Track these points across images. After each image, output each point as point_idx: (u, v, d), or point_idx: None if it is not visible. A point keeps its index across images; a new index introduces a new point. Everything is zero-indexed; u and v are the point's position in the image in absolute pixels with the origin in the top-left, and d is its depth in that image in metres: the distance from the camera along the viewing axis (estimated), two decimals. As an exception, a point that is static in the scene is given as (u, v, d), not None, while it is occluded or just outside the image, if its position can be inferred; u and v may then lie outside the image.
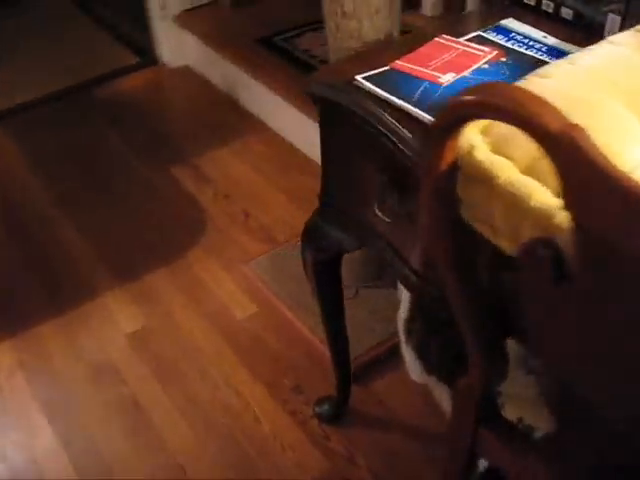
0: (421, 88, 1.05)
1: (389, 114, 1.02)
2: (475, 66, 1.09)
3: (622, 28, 1.21)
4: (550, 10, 1.23)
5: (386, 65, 1.11)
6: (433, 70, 1.08)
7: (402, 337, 1.58)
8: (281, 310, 1.91)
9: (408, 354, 1.57)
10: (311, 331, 1.84)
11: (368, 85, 1.06)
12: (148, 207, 2.28)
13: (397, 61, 1.11)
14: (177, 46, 2.89)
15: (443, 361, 1.44)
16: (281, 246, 2.08)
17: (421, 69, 1.09)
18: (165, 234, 2.18)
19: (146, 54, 2.97)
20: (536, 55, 1.13)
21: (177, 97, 2.86)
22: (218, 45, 2.69)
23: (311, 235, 1.29)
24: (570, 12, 1.21)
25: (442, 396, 1.51)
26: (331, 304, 1.43)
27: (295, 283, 1.95)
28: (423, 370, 1.52)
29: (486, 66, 1.09)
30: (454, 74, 1.07)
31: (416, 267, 1.05)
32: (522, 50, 1.13)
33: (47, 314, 1.93)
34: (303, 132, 2.41)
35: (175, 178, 2.38)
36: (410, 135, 0.98)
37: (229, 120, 2.64)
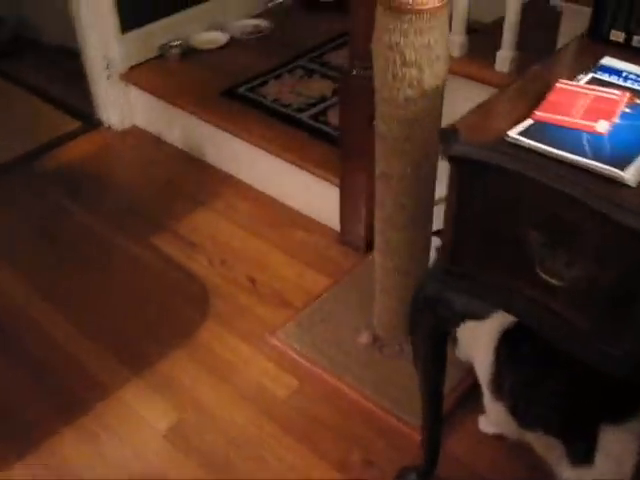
0: (584, 139, 0.98)
1: (559, 170, 0.95)
2: (619, 110, 1.04)
3: None
4: (642, 45, 1.20)
5: (524, 119, 1.03)
6: (582, 119, 1.02)
7: (487, 393, 1.50)
8: (326, 380, 1.77)
9: (496, 409, 1.49)
10: (366, 398, 1.72)
11: (527, 141, 0.98)
12: (140, 285, 2.07)
13: (537, 112, 1.04)
14: (124, 105, 2.69)
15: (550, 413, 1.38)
16: (303, 310, 1.94)
17: (569, 119, 1.02)
18: (168, 312, 1.98)
19: (88, 117, 2.75)
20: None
21: (133, 160, 2.65)
22: (175, 100, 2.52)
23: (431, 305, 1.18)
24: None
25: (547, 449, 1.44)
26: (437, 378, 1.33)
27: (334, 348, 1.83)
28: (518, 425, 1.45)
29: (628, 110, 1.04)
30: (606, 121, 1.01)
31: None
32: (648, 89, 1.09)
33: (63, 426, 1.69)
34: (287, 184, 2.30)
35: (158, 248, 2.19)
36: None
37: (199, 179, 2.47)
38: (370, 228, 2.07)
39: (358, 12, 1.73)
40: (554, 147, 0.97)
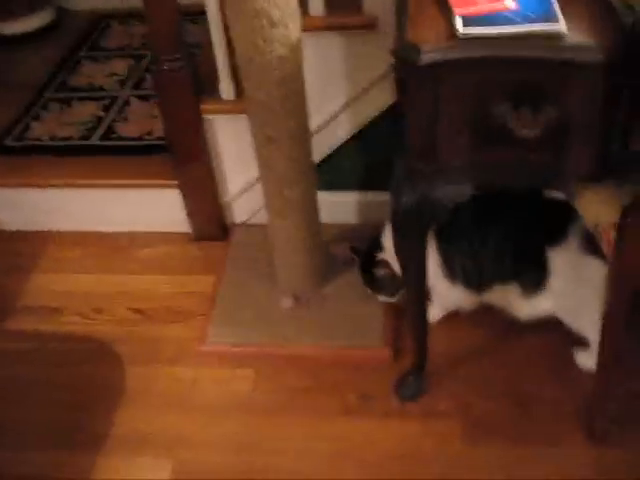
0: (510, 16, 1.18)
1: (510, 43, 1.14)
2: (508, -9, 1.26)
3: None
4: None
5: (450, 21, 1.20)
6: (491, 4, 1.22)
7: (444, 284, 1.69)
8: (276, 353, 1.81)
9: (454, 293, 1.71)
10: (322, 348, 1.80)
11: (476, 30, 1.15)
12: (34, 374, 1.83)
13: (457, 10, 1.21)
14: None
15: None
16: (212, 310, 1.92)
17: (484, 7, 1.20)
18: (83, 382, 1.81)
19: None
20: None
21: None
22: None
23: (414, 210, 1.32)
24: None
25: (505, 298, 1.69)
26: (423, 277, 1.48)
27: (265, 325, 1.86)
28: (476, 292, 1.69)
29: (510, -11, 1.27)
30: (507, 1, 1.22)
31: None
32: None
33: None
34: (114, 211, 2.20)
35: (25, 332, 1.95)
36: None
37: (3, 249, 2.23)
38: (220, 213, 2.12)
39: (156, 15, 1.74)
40: (495, 28, 1.16)
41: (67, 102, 2.48)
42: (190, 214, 2.12)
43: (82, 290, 2.06)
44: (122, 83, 2.55)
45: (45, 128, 2.35)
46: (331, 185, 2.03)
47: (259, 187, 2.04)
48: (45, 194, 2.19)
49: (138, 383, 1.79)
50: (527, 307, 1.68)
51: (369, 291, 1.84)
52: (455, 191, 1.31)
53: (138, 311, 1.99)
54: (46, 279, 2.12)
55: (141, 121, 2.33)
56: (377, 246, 1.78)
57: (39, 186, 2.18)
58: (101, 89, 2.54)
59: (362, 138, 1.96)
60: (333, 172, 2.02)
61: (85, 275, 2.11)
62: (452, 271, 1.66)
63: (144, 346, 1.89)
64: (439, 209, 1.33)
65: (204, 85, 1.90)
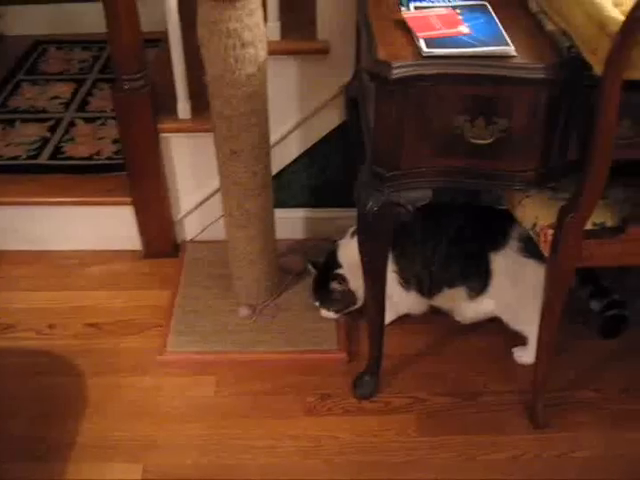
0: (465, 39, 1.34)
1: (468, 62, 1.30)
2: (459, 18, 1.42)
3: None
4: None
5: (413, 41, 1.35)
6: (447, 29, 1.37)
7: (397, 291, 1.83)
8: (236, 360, 1.88)
9: (408, 299, 1.86)
10: (279, 354, 1.89)
11: (438, 51, 1.31)
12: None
13: (419, 34, 1.36)
14: None
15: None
16: (170, 321, 1.97)
17: (442, 32, 1.36)
18: (44, 395, 1.82)
19: None
20: (459, 3, 1.51)
21: None
22: None
23: (382, 213, 1.44)
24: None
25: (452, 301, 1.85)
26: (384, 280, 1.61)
27: (223, 334, 1.94)
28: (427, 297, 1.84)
29: (462, 17, 1.43)
30: (461, 26, 1.39)
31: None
32: (455, 3, 1.50)
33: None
34: (62, 230, 2.23)
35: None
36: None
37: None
38: (172, 230, 2.19)
39: (119, 35, 1.82)
40: (455, 49, 1.31)
41: (10, 123, 2.49)
42: (142, 231, 2.18)
43: (35, 307, 2.07)
44: (66, 105, 2.58)
45: (-8, 150, 2.36)
46: (281, 202, 2.14)
47: (209, 204, 2.15)
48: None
49: (100, 393, 1.82)
50: (472, 309, 1.84)
51: (317, 304, 1.95)
52: (417, 195, 1.45)
53: (93, 325, 2.02)
54: (-7, 297, 2.12)
55: (89, 142, 2.38)
56: (334, 261, 1.89)
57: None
58: (44, 111, 2.56)
59: (310, 156, 2.09)
60: (283, 189, 2.13)
61: (37, 293, 2.12)
62: (406, 279, 1.80)
63: (103, 358, 1.92)
64: (402, 213, 1.46)
65: (162, 104, 1.98)
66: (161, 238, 2.19)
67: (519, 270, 1.74)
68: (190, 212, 2.19)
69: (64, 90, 2.69)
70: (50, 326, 2.02)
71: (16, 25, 3.09)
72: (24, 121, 2.51)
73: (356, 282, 1.82)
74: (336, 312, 1.93)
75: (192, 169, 2.09)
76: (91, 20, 2.92)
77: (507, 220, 1.70)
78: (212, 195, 2.12)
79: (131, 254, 2.23)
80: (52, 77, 2.79)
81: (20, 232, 2.23)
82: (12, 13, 3.08)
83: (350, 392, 1.81)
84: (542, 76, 1.30)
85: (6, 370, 1.89)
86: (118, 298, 2.10)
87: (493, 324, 1.94)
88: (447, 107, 1.34)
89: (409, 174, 1.42)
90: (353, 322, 1.96)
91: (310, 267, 1.99)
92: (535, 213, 1.56)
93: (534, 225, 1.56)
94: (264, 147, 1.75)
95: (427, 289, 1.81)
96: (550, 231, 1.50)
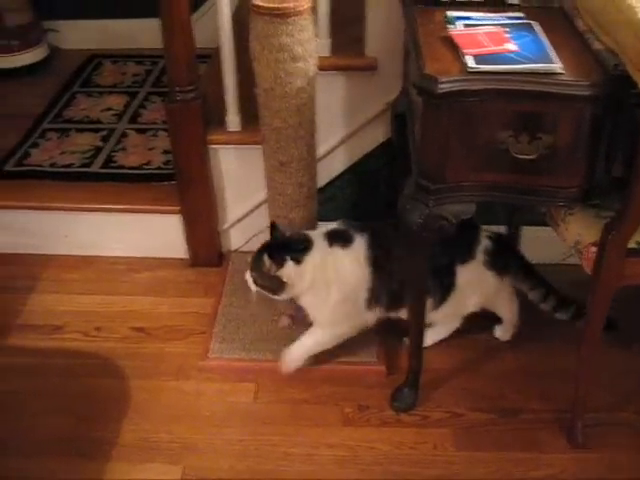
0: (512, 56, 1.37)
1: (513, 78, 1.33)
2: (506, 36, 1.45)
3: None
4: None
5: (459, 58, 1.38)
6: (495, 46, 1.40)
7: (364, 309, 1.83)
8: (275, 368, 1.89)
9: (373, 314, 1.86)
10: (318, 363, 1.91)
11: (485, 67, 1.33)
12: (44, 390, 1.88)
13: (466, 50, 1.39)
14: None
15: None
16: (213, 328, 2.01)
17: (489, 49, 1.39)
18: (89, 395, 1.87)
19: None
20: (507, 21, 1.53)
21: None
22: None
23: (425, 226, 1.47)
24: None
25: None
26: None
27: (264, 342, 1.97)
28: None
29: (510, 35, 1.46)
30: (509, 44, 1.41)
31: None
32: (502, 21, 1.53)
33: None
34: (112, 237, 2.29)
35: (27, 348, 2.00)
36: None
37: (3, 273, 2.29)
38: (218, 240, 2.24)
39: (173, 50, 1.89)
40: (501, 65, 1.34)
41: (65, 132, 2.59)
42: (189, 240, 2.23)
43: (82, 310, 2.14)
44: (118, 117, 2.67)
45: (45, 155, 2.45)
46: (324, 215, 2.17)
47: (254, 216, 2.20)
48: (46, 217, 2.27)
49: (143, 395, 1.87)
50: (434, 315, 1.84)
51: (249, 262, 1.79)
52: (460, 209, 1.47)
53: (139, 329, 2.07)
54: (45, 299, 2.18)
55: (139, 152, 2.45)
56: (298, 246, 1.74)
57: (40, 209, 2.26)
58: (98, 122, 2.65)
59: (354, 171, 2.13)
60: (326, 202, 2.17)
61: (85, 296, 2.19)
62: (377, 296, 1.79)
63: (146, 361, 1.96)
64: (445, 226, 1.48)
65: (211, 117, 2.04)
66: (207, 247, 2.24)
67: (482, 281, 1.79)
68: (235, 223, 2.23)
69: (117, 102, 2.78)
70: (97, 329, 2.07)
71: (72, 39, 3.21)
72: (78, 131, 2.60)
73: (294, 284, 1.74)
74: (254, 283, 1.79)
75: (239, 181, 2.14)
76: (144, 36, 3.03)
77: (474, 232, 1.76)
78: (257, 207, 2.16)
79: (177, 262, 2.29)
80: (106, 89, 2.89)
81: (70, 237, 2.30)
82: (68, 27, 3.21)
83: (388, 404, 1.82)
84: (588, 93, 1.32)
85: (54, 370, 1.95)
86: (164, 304, 2.15)
87: (532, 343, 1.95)
88: (492, 122, 1.36)
89: (454, 187, 1.45)
90: (392, 336, 1.98)
91: (271, 227, 1.83)
92: (578, 230, 1.56)
93: (577, 242, 1.56)
94: (311, 159, 1.79)
95: (394, 304, 1.81)
96: (593, 249, 1.50)
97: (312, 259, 1.73)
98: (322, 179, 2.09)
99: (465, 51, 1.39)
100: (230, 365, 1.93)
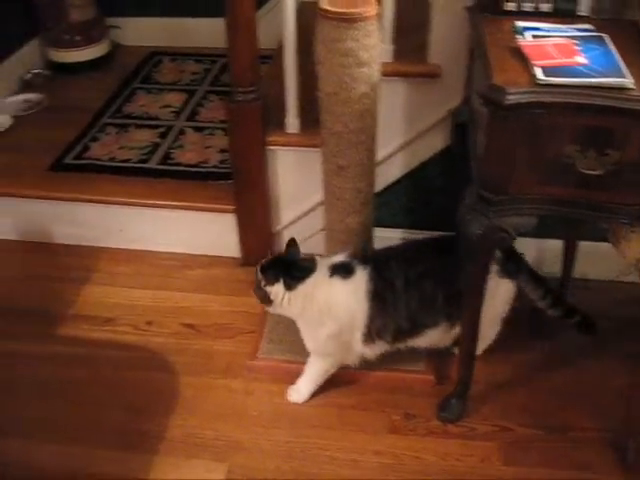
0: (581, 69, 1.34)
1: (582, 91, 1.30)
2: (576, 48, 1.42)
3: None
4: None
5: (527, 70, 1.36)
6: (564, 59, 1.38)
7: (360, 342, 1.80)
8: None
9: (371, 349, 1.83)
10: (367, 369, 1.90)
11: (554, 79, 1.31)
12: (98, 378, 1.93)
13: (536, 62, 1.37)
14: None
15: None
16: (263, 328, 2.03)
17: (559, 61, 1.37)
18: (139, 388, 1.91)
19: None
20: (577, 33, 1.51)
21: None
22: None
23: (488, 237, 1.45)
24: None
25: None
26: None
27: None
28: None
29: (580, 47, 1.43)
30: (578, 57, 1.39)
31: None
32: (572, 33, 1.50)
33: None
34: (164, 232, 2.33)
35: (80, 338, 2.04)
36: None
37: (59, 262, 2.34)
38: (270, 241, 2.25)
39: (236, 49, 1.90)
40: (571, 79, 1.32)
41: (124, 127, 2.63)
42: (242, 240, 2.25)
43: (134, 304, 2.17)
44: (177, 114, 2.71)
45: (104, 150, 2.49)
46: (380, 221, 2.16)
47: (308, 219, 2.20)
48: (102, 211, 2.31)
49: (191, 391, 1.89)
50: (448, 337, 1.83)
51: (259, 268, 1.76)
52: (521, 221, 1.45)
53: (189, 326, 2.09)
54: (98, 291, 2.22)
55: (197, 149, 2.48)
56: (302, 271, 1.72)
57: (98, 202, 2.30)
58: (156, 118, 2.69)
59: (412, 177, 2.11)
60: (383, 208, 2.16)
61: (136, 290, 2.22)
62: (377, 333, 1.76)
63: (196, 358, 1.99)
64: (505, 238, 1.47)
65: (270, 118, 2.05)
66: (259, 248, 2.24)
67: (494, 289, 1.71)
68: (289, 225, 2.24)
69: (176, 99, 2.82)
70: (148, 323, 2.10)
71: (133, 36, 3.27)
72: (137, 127, 2.64)
73: (281, 305, 1.73)
74: (255, 291, 1.77)
75: (295, 183, 2.15)
76: (204, 35, 3.06)
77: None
78: (311, 210, 2.17)
79: (229, 261, 2.31)
80: (165, 87, 2.93)
81: (125, 231, 2.34)
82: (129, 24, 3.26)
83: (435, 414, 1.80)
84: (661, 110, 1.29)
85: (104, 361, 1.98)
86: (214, 302, 2.17)
87: (584, 360, 1.91)
88: (559, 136, 1.34)
89: (516, 200, 1.43)
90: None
91: (288, 242, 1.79)
92: (638, 247, 1.53)
93: (638, 261, 1.53)
94: (370, 165, 1.78)
95: (403, 337, 1.79)
96: (655, 267, 1.48)
97: (304, 288, 1.71)
98: (379, 184, 2.08)
99: (534, 62, 1.38)
100: (279, 366, 1.93)
